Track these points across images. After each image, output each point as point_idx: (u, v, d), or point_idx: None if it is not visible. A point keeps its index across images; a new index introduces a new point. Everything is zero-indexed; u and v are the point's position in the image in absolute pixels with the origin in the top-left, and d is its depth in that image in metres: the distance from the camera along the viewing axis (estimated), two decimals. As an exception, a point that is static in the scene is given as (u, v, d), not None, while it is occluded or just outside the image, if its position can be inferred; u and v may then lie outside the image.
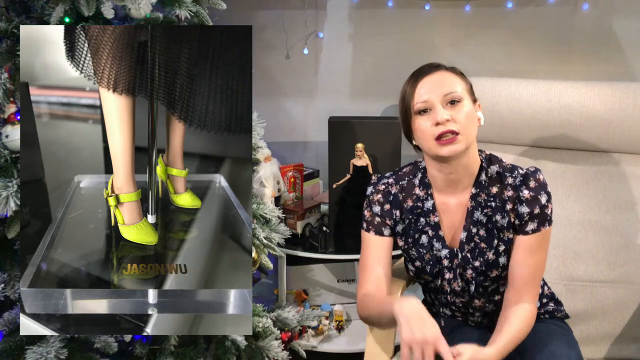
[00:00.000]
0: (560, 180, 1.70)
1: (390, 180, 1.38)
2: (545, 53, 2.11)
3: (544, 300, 1.41)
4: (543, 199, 1.25)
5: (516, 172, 1.28)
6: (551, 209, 1.26)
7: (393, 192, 1.36)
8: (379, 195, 1.37)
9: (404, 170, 1.39)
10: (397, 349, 1.42)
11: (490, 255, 1.27)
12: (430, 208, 1.33)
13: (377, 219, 1.37)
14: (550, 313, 1.40)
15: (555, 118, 1.68)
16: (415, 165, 1.39)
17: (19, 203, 1.17)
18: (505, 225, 1.27)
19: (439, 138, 1.21)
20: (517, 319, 1.23)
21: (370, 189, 1.39)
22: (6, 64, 1.19)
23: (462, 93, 1.24)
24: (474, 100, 1.28)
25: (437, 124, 1.20)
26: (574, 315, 1.53)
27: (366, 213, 1.38)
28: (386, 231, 1.36)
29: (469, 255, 1.29)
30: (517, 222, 1.26)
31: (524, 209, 1.24)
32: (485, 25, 2.13)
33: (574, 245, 1.62)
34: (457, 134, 1.20)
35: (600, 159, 1.69)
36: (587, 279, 1.59)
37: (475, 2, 2.10)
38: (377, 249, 1.36)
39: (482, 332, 1.35)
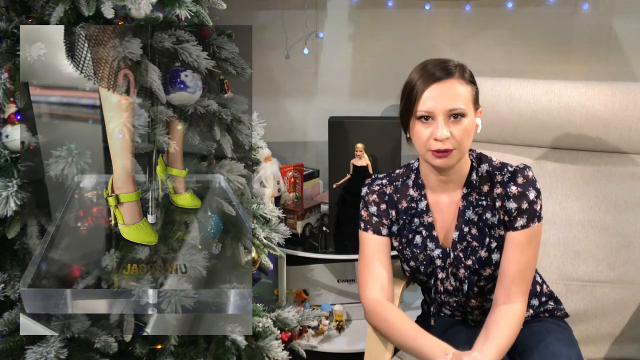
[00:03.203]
0: (560, 180, 1.70)
1: (384, 181, 1.39)
2: (545, 53, 2.11)
3: (543, 299, 1.41)
4: (531, 194, 1.25)
5: (505, 169, 1.29)
6: (540, 205, 1.26)
7: (388, 192, 1.37)
8: (374, 196, 1.38)
9: (397, 172, 1.40)
10: (397, 349, 1.43)
11: (483, 253, 1.28)
12: (424, 208, 1.34)
13: (375, 218, 1.37)
14: (550, 312, 1.40)
15: (555, 118, 1.68)
16: (408, 167, 1.40)
17: (19, 203, 1.17)
18: (495, 222, 1.28)
19: (434, 150, 1.21)
20: (506, 323, 1.23)
21: (365, 190, 1.40)
22: (6, 64, 1.19)
23: (467, 107, 1.23)
24: (477, 108, 1.27)
25: (436, 139, 1.20)
26: (574, 315, 1.53)
27: (363, 213, 1.38)
28: (384, 230, 1.37)
29: (461, 254, 1.30)
30: (506, 218, 1.27)
31: (512, 205, 1.25)
32: (485, 25, 2.13)
33: (574, 245, 1.62)
34: (451, 150, 1.21)
35: (600, 159, 1.69)
36: (587, 279, 1.59)
37: (475, 2, 2.10)
38: (376, 248, 1.36)
39: (479, 330, 1.35)
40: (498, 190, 1.28)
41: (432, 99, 1.21)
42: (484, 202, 1.29)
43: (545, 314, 1.40)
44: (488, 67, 2.12)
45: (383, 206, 1.37)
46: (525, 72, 2.07)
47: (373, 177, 1.42)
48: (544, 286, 1.43)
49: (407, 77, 1.27)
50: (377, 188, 1.38)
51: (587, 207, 1.65)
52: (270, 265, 1.62)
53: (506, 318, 1.23)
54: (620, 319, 1.56)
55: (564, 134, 1.69)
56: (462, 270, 1.30)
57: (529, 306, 1.37)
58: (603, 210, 1.64)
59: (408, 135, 1.31)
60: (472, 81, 1.26)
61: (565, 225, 1.64)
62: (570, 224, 1.64)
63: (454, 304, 1.37)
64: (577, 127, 1.67)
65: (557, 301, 1.43)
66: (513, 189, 1.26)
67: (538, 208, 1.26)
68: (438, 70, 1.23)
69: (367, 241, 1.37)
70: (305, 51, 2.21)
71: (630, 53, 2.06)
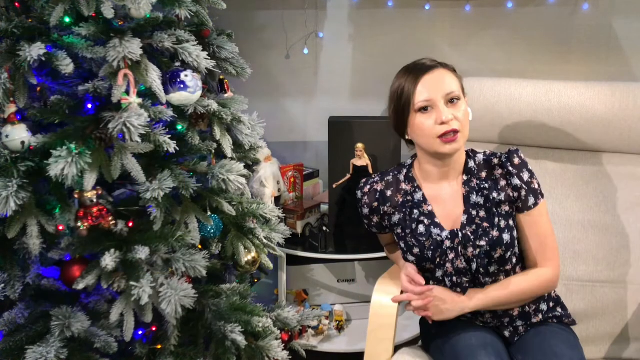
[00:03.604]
0: (560, 180, 1.70)
1: (376, 179, 1.45)
2: (545, 53, 2.11)
3: (551, 304, 1.41)
4: (525, 176, 1.32)
5: (499, 153, 1.37)
6: (537, 183, 1.34)
7: (379, 189, 1.43)
8: (366, 197, 1.44)
9: (389, 170, 1.47)
10: (397, 349, 1.43)
11: (494, 233, 1.30)
12: (421, 199, 1.37)
13: (372, 218, 1.46)
14: (558, 318, 1.40)
15: (555, 118, 1.68)
16: (400, 165, 1.47)
17: (19, 203, 1.17)
18: (503, 199, 1.33)
19: (442, 136, 1.24)
20: (526, 278, 1.32)
21: (359, 193, 1.47)
22: (6, 64, 1.19)
23: (459, 91, 1.29)
24: (465, 95, 1.34)
25: (442, 123, 1.24)
26: (574, 315, 1.53)
27: (363, 215, 1.48)
28: (384, 225, 1.45)
29: (472, 235, 1.32)
30: (515, 195, 1.32)
31: (516, 181, 1.31)
32: (485, 25, 2.13)
33: (574, 245, 1.62)
34: (458, 132, 1.26)
35: (600, 159, 1.69)
36: (587, 279, 1.60)
37: (475, 2, 2.10)
38: (388, 242, 1.56)
39: (486, 331, 1.34)
40: (499, 172, 1.34)
41: (428, 88, 1.27)
42: (487, 185, 1.34)
43: (554, 319, 1.40)
44: (488, 67, 2.12)
45: (375, 204, 1.43)
46: (525, 72, 2.07)
47: (365, 179, 1.48)
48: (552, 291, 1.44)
49: (391, 86, 1.32)
50: (367, 189, 1.45)
51: (587, 207, 1.65)
52: (270, 265, 1.62)
53: (530, 274, 1.32)
54: (620, 319, 1.56)
55: (564, 134, 1.69)
56: (470, 249, 1.31)
57: (539, 311, 1.38)
58: (603, 210, 1.64)
59: (407, 137, 1.34)
60: (454, 71, 1.34)
61: (565, 225, 1.64)
62: (570, 224, 1.64)
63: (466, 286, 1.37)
64: (577, 127, 1.67)
65: (564, 307, 1.44)
66: (511, 168, 1.32)
67: (536, 186, 1.33)
68: (422, 65, 1.30)
69: (380, 239, 1.56)
70: (305, 51, 2.21)
71: (630, 53, 2.06)
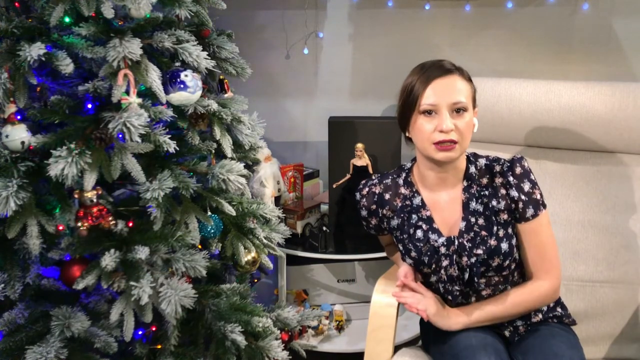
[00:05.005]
0: (560, 180, 1.70)
1: (374, 181, 1.44)
2: (545, 53, 2.11)
3: (551, 305, 1.41)
4: (526, 186, 1.30)
5: (502, 160, 1.34)
6: (539, 193, 1.32)
7: (377, 192, 1.43)
8: (364, 200, 1.44)
9: (389, 172, 1.46)
10: (397, 349, 1.43)
11: (492, 242, 1.29)
12: (420, 204, 1.37)
13: (370, 220, 1.45)
14: (559, 318, 1.40)
15: (555, 118, 1.68)
16: (400, 168, 1.45)
17: (19, 203, 1.17)
18: (502, 208, 1.32)
19: (438, 143, 1.24)
20: (523, 289, 1.32)
21: (357, 195, 1.46)
22: (6, 64, 1.19)
23: (468, 102, 1.27)
24: (474, 107, 1.31)
25: (441, 131, 1.23)
26: (574, 315, 1.53)
27: (360, 217, 1.47)
28: (383, 227, 1.45)
29: (469, 243, 1.31)
30: (513, 205, 1.31)
31: (514, 193, 1.30)
32: (485, 25, 2.13)
33: (574, 245, 1.62)
34: (455, 143, 1.24)
35: (600, 159, 1.69)
36: (587, 279, 1.59)
37: (475, 2, 2.10)
38: (387, 243, 1.55)
39: (486, 331, 1.34)
40: (499, 180, 1.32)
41: (436, 92, 1.25)
42: (487, 192, 1.33)
43: (554, 319, 1.40)
44: (488, 67, 2.12)
45: (373, 207, 1.43)
46: (525, 72, 2.07)
47: (364, 181, 1.47)
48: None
49: (404, 81, 1.30)
50: (366, 191, 1.44)
51: (587, 207, 1.65)
52: (270, 265, 1.62)
53: (526, 287, 1.32)
54: (620, 319, 1.56)
55: (564, 134, 1.69)
56: (465, 259, 1.31)
57: (538, 311, 1.38)
58: (603, 210, 1.63)
59: (407, 134, 1.34)
60: (470, 80, 1.31)
61: (565, 225, 1.64)
62: (570, 224, 1.64)
63: (460, 298, 1.36)
64: (577, 127, 1.67)
65: (564, 307, 1.44)
66: (511, 179, 1.31)
67: (538, 197, 1.30)
68: (438, 67, 1.27)
69: (380, 239, 1.54)
70: (305, 51, 2.21)
71: (630, 53, 2.06)
